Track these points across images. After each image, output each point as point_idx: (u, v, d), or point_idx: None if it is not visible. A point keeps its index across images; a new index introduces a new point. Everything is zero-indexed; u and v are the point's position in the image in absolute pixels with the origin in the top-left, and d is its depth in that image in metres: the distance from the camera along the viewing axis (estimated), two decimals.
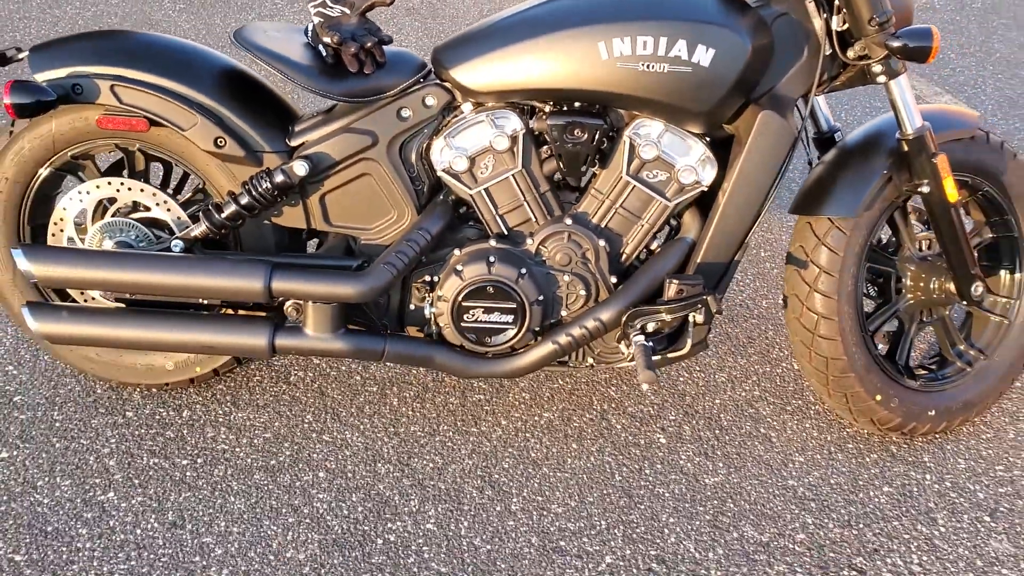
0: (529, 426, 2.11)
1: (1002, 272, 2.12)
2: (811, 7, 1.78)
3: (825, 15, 1.77)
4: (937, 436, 2.12)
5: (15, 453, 1.98)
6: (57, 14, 4.06)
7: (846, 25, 1.77)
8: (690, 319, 1.83)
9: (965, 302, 1.99)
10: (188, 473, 1.95)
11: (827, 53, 1.79)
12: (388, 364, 2.24)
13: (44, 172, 1.93)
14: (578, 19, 1.72)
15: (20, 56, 1.86)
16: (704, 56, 1.69)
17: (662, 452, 2.06)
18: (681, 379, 2.26)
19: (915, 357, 2.25)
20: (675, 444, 2.08)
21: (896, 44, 1.70)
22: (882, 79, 1.79)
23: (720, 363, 2.32)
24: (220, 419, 2.09)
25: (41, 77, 1.82)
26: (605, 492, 1.95)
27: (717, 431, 2.12)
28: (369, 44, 1.76)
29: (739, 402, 2.20)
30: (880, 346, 2.06)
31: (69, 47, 1.85)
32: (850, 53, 1.80)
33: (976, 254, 1.99)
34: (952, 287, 1.99)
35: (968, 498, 1.98)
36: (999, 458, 2.08)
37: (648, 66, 1.70)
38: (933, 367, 2.15)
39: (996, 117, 3.63)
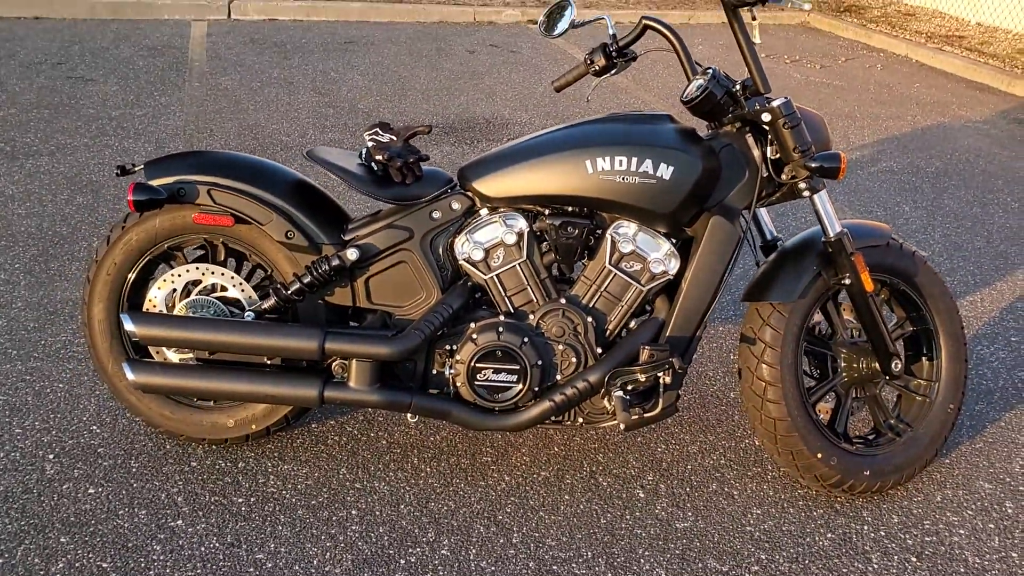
0: (529, 481, 2.50)
1: (923, 359, 2.56)
2: (750, 140, 2.32)
3: (761, 146, 2.31)
4: (874, 495, 2.50)
5: (100, 490, 2.38)
6: (125, 161, 4.68)
7: (778, 154, 2.30)
8: (661, 381, 2.27)
9: (887, 377, 2.43)
10: (243, 508, 2.34)
11: (764, 175, 2.32)
12: (410, 430, 2.66)
13: (145, 259, 2.42)
14: (571, 144, 2.26)
15: (136, 169, 2.39)
16: (666, 172, 2.21)
17: (640, 503, 2.44)
18: (659, 449, 2.67)
19: (853, 431, 2.67)
20: (652, 498, 2.46)
21: (814, 165, 2.22)
22: (807, 194, 2.31)
23: (692, 438, 2.73)
24: (270, 469, 2.49)
25: (153, 183, 2.34)
26: (591, 531, 2.33)
27: (688, 489, 2.51)
28: (412, 160, 2.29)
29: (707, 468, 2.60)
30: (822, 415, 2.48)
31: (175, 161, 2.38)
32: (783, 175, 2.32)
33: (898, 343, 2.45)
34: (876, 365, 2.43)
35: (899, 544, 2.34)
36: (927, 515, 2.46)
37: (623, 178, 2.22)
38: (869, 437, 2.56)
39: (943, 258, 4.16)
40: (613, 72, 2.50)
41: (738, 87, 2.29)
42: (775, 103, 2.22)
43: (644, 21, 2.41)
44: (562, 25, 2.52)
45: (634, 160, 2.22)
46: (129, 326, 2.27)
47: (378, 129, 2.37)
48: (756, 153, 2.32)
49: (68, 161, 4.67)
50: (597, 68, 2.47)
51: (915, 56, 8.39)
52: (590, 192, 2.25)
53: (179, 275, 2.41)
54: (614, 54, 2.45)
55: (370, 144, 2.35)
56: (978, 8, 9.56)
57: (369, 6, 8.53)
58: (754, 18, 2.25)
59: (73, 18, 7.71)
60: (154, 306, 2.42)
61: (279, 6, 8.28)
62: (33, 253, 3.66)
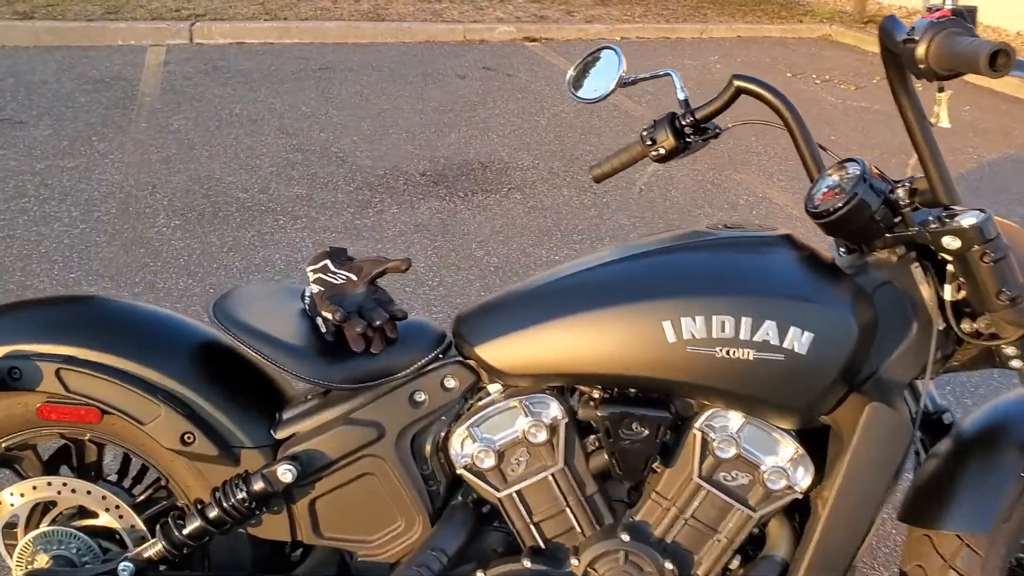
0: None
1: None
2: (917, 273, 1.46)
3: (934, 282, 1.44)
4: None
5: None
6: (43, 231, 3.81)
7: (962, 293, 1.44)
8: None
9: None
10: None
11: (940, 328, 1.45)
12: None
13: None
14: (636, 292, 1.39)
15: None
16: (800, 341, 1.35)
17: None
18: None
19: None
20: None
21: None
22: (1017, 363, 1.44)
23: None
24: None
25: None
26: None
27: None
28: (376, 324, 1.42)
29: None
30: None
31: (12, 319, 1.52)
32: (967, 326, 1.46)
33: None
34: None
35: None
36: None
37: (728, 352, 1.36)
38: None
39: None
40: (684, 154, 1.66)
41: (900, 192, 1.43)
42: (966, 220, 1.35)
43: (737, 83, 1.56)
44: (602, 83, 1.68)
45: (745, 323, 1.36)
46: None
47: (328, 263, 1.50)
48: (927, 293, 1.45)
49: None
50: (662, 152, 1.62)
51: None
52: (670, 371, 1.39)
53: (22, 494, 1.54)
54: (688, 131, 1.60)
55: (315, 289, 1.48)
56: (1018, 16, 8.74)
57: (347, 26, 7.66)
58: (942, 88, 1.37)
59: (14, 46, 6.80)
60: None
61: (247, 28, 7.41)
62: None
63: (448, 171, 4.79)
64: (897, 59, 1.32)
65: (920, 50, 1.23)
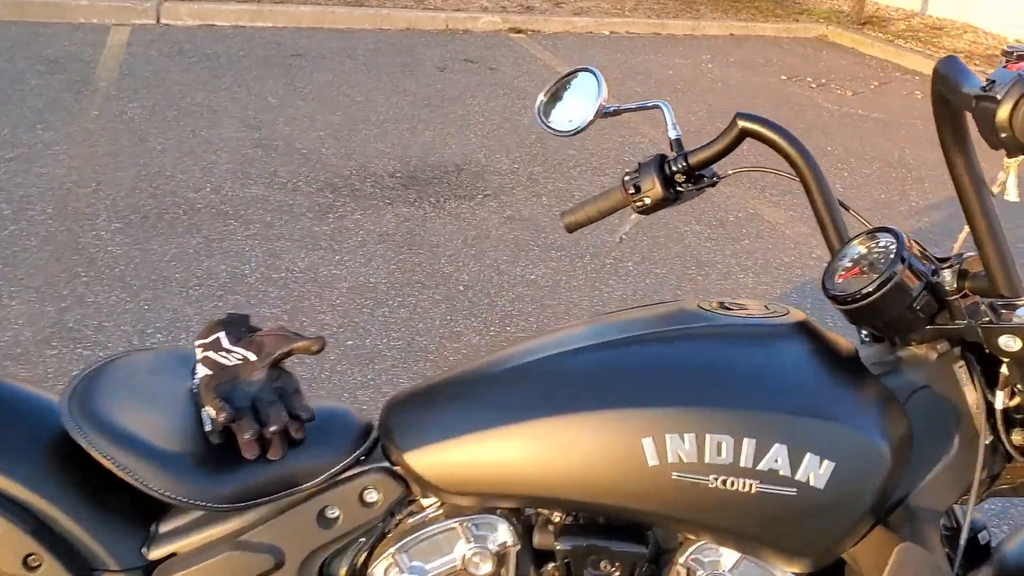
0: None
1: None
2: (961, 373, 1.16)
3: (983, 386, 1.14)
4: None
5: None
6: None
7: (1016, 400, 1.14)
8: None
9: None
10: None
11: (987, 442, 1.15)
12: None
13: None
14: (610, 397, 1.08)
15: None
16: (817, 472, 1.05)
17: None
18: None
19: None
20: None
21: None
22: None
23: None
24: None
25: None
26: None
27: None
28: (273, 429, 1.10)
29: None
30: None
31: None
32: (1019, 437, 1.16)
33: None
34: None
35: None
36: None
37: (724, 482, 1.05)
38: None
39: None
40: (675, 204, 1.35)
41: (946, 274, 1.12)
42: None
43: (742, 124, 1.25)
44: (578, 112, 1.39)
45: (747, 447, 1.05)
46: None
47: (221, 337, 1.19)
48: (973, 399, 1.15)
49: None
50: (647, 203, 1.32)
51: None
52: (647, 502, 1.08)
53: None
54: (679, 179, 1.30)
55: (201, 373, 1.16)
56: (1016, 21, 8.46)
57: (323, 10, 7.29)
58: (1013, 154, 1.05)
59: None
60: None
61: (218, 9, 7.02)
62: None
63: (420, 173, 4.46)
64: (958, 117, 1.01)
65: (1003, 113, 0.90)
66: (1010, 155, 0.93)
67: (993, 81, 0.91)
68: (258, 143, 4.64)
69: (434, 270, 3.52)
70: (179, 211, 3.80)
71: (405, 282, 3.40)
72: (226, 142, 4.61)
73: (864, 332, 1.25)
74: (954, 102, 0.99)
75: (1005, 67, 0.92)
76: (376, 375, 2.80)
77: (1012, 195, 1.06)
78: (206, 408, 1.13)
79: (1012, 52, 0.96)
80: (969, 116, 0.99)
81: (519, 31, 7.70)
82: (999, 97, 0.90)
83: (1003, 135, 0.90)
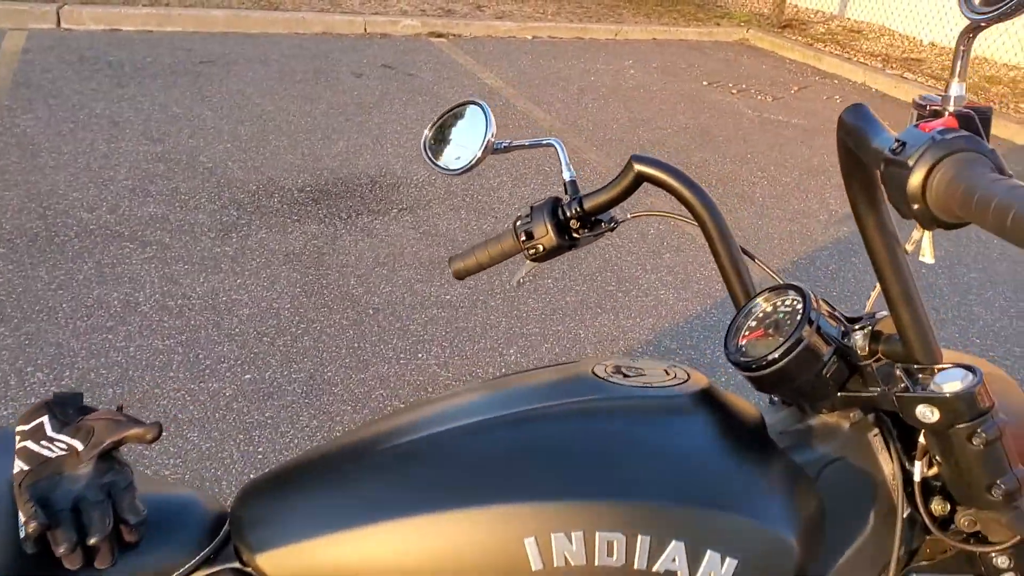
0: None
1: None
2: (876, 443, 1.05)
3: (900, 455, 1.04)
4: None
5: None
6: None
7: (933, 470, 1.04)
8: None
9: None
10: None
11: (904, 516, 1.05)
12: None
13: None
14: (487, 489, 0.95)
15: None
16: (719, 571, 0.93)
17: None
18: None
19: None
20: None
21: None
22: None
23: None
24: None
25: None
26: None
27: None
28: (95, 540, 0.95)
29: None
30: None
31: None
32: (938, 506, 1.06)
33: None
34: None
35: None
36: None
37: None
38: None
39: None
40: (571, 250, 1.24)
41: (858, 337, 1.02)
42: (948, 386, 0.94)
43: (638, 167, 1.13)
44: (466, 149, 1.28)
45: (641, 545, 0.93)
46: None
47: (45, 422, 1.02)
48: (889, 471, 1.05)
49: None
50: (540, 250, 1.20)
51: (874, 84, 7.34)
52: None
53: None
54: (575, 225, 1.19)
55: (17, 468, 1.00)
56: (930, 26, 8.60)
57: (235, 14, 7.04)
58: (927, 227, 0.91)
59: None
60: None
61: (123, 13, 6.73)
62: None
63: (331, 187, 4.29)
64: (867, 174, 0.90)
65: (915, 182, 0.75)
66: (923, 227, 0.80)
67: (904, 143, 0.78)
68: (160, 157, 4.41)
69: (343, 292, 3.35)
70: (70, 233, 3.56)
71: (310, 306, 3.23)
72: (126, 156, 4.37)
73: (773, 398, 1.15)
74: (863, 159, 0.87)
75: (916, 126, 0.79)
76: (275, 412, 2.63)
77: (927, 256, 0.96)
78: (20, 511, 0.96)
79: (924, 106, 0.84)
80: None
81: (440, 35, 7.55)
82: (911, 164, 0.76)
83: (915, 206, 0.78)
